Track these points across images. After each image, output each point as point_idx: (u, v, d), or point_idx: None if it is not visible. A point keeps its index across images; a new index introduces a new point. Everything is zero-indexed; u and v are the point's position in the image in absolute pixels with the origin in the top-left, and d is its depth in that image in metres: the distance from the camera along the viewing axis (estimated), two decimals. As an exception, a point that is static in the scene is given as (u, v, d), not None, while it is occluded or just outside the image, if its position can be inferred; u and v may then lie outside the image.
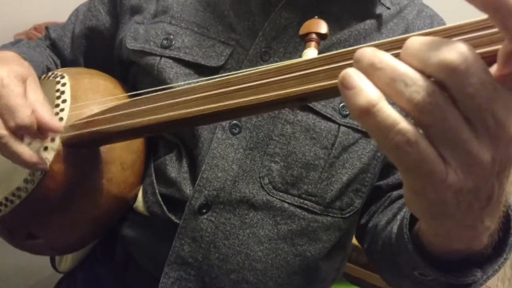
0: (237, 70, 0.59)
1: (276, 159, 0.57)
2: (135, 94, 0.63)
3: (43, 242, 0.58)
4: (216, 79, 0.40)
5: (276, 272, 0.58)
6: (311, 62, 0.33)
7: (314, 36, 0.41)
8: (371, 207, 0.63)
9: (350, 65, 0.29)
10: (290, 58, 0.59)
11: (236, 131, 0.57)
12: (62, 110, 0.55)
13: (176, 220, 0.57)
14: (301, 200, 0.58)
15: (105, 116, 0.48)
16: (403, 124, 0.25)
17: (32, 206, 0.54)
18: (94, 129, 0.48)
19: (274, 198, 0.57)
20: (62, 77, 0.59)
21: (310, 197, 0.58)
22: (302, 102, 0.34)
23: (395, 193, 0.60)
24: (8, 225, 0.57)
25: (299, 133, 0.57)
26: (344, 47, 0.61)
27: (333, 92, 0.32)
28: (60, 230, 0.57)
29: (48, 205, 0.54)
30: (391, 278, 0.56)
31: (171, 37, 0.60)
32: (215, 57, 0.59)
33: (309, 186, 0.58)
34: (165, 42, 0.60)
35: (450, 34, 0.28)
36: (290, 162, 0.57)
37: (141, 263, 0.61)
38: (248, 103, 0.35)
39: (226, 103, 0.37)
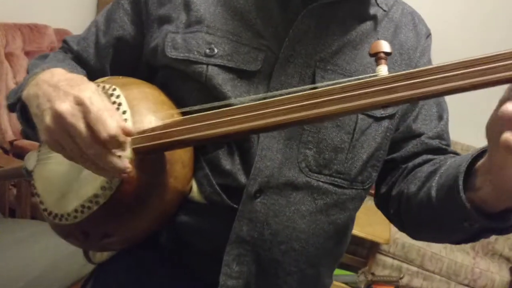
0: (270, 72, 0.69)
1: (309, 146, 0.69)
2: (176, 101, 0.71)
3: (117, 239, 0.66)
4: (298, 93, 0.50)
5: (316, 239, 0.71)
6: (391, 78, 0.45)
7: (382, 55, 0.52)
8: (387, 178, 0.77)
9: (422, 81, 0.42)
10: (311, 59, 0.70)
11: None
12: (125, 120, 0.62)
13: (233, 205, 0.67)
14: (332, 178, 0.70)
15: (185, 127, 0.56)
16: None
17: (110, 210, 0.61)
18: (175, 138, 0.56)
19: (311, 179, 0.69)
20: (114, 89, 0.64)
21: (339, 175, 0.71)
22: (385, 107, 0.46)
23: (410, 164, 0.74)
24: (85, 229, 0.63)
25: (326, 122, 0.69)
26: (352, 46, 0.72)
27: (408, 101, 0.44)
28: (133, 227, 0.65)
29: (124, 208, 0.62)
30: (426, 233, 0.71)
31: (212, 46, 0.68)
32: (252, 62, 0.68)
33: (338, 166, 0.70)
34: (208, 51, 0.68)
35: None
36: (321, 148, 0.69)
37: (198, 245, 0.70)
38: (341, 110, 0.47)
39: (317, 111, 0.48)
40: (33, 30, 2.41)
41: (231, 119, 0.53)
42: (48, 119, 0.54)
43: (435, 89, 0.43)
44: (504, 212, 0.52)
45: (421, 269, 2.77)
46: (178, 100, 0.70)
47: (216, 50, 0.68)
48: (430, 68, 0.45)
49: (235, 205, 0.68)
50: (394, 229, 2.65)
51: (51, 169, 0.68)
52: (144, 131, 0.59)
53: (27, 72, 0.78)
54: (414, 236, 0.74)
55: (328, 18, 0.71)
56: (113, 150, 0.55)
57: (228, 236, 0.68)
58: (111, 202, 0.60)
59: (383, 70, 0.51)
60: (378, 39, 0.74)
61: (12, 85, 2.21)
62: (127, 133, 0.55)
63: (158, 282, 0.75)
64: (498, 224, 0.53)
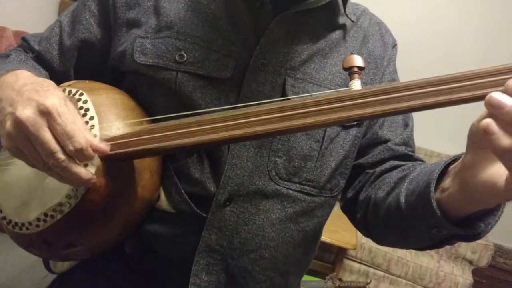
0: (241, 80, 0.69)
1: (279, 154, 0.70)
2: (144, 108, 0.70)
3: (81, 249, 0.64)
4: (273, 105, 0.51)
5: (285, 247, 0.72)
6: (364, 93, 0.46)
7: (356, 69, 0.53)
8: (354, 183, 0.79)
9: (393, 97, 0.43)
10: (281, 67, 0.71)
11: None
12: (92, 127, 0.61)
13: (202, 214, 0.67)
14: (302, 186, 0.71)
15: (155, 135, 0.56)
16: None
17: (74, 219, 0.60)
18: (145, 147, 0.56)
19: (281, 187, 0.70)
20: (81, 94, 0.63)
21: (309, 183, 0.72)
22: (357, 121, 0.47)
23: (377, 170, 0.76)
24: (47, 239, 0.62)
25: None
26: (322, 55, 0.74)
27: (380, 116, 0.46)
28: (98, 237, 0.64)
29: (90, 217, 0.61)
30: (392, 239, 0.73)
31: (182, 52, 0.68)
32: (223, 69, 0.68)
33: (307, 174, 0.71)
34: (177, 57, 0.67)
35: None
36: (291, 156, 0.70)
37: (166, 254, 0.70)
38: (314, 123, 0.48)
39: (292, 123, 0.49)
40: (-10, 32, 2.33)
41: (203, 128, 0.53)
42: (9, 125, 0.53)
43: (407, 105, 0.46)
44: (470, 219, 0.54)
45: (388, 273, 2.84)
46: (145, 106, 0.70)
47: (186, 57, 0.68)
48: (402, 85, 0.47)
49: (204, 214, 0.68)
50: (361, 234, 2.70)
51: (12, 175, 0.66)
52: (112, 138, 0.59)
53: None
54: (380, 241, 0.76)
55: (298, 27, 0.72)
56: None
57: (196, 245, 0.68)
58: (76, 211, 0.59)
59: (356, 85, 0.52)
60: (347, 48, 0.76)
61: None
62: (97, 151, 0.55)
63: None
64: (466, 231, 0.55)
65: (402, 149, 0.77)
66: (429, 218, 0.57)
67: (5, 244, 1.76)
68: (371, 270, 2.85)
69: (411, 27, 3.24)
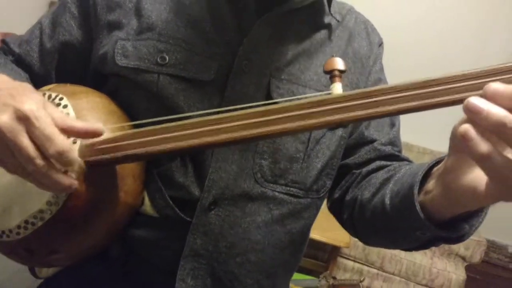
0: (224, 82, 0.69)
1: (265, 156, 0.69)
2: (128, 113, 0.69)
3: (64, 256, 0.64)
4: (255, 109, 0.50)
5: (272, 250, 0.72)
6: (346, 97, 0.46)
7: (337, 72, 0.53)
8: (341, 183, 0.79)
9: (375, 101, 0.42)
10: (266, 68, 0.70)
11: None
12: None
13: (187, 218, 0.66)
14: (288, 188, 0.71)
15: (138, 140, 0.55)
16: None
17: (56, 226, 0.59)
18: (128, 152, 0.55)
19: (267, 189, 0.70)
20: (61, 98, 0.62)
21: (295, 184, 0.71)
22: (339, 126, 0.46)
23: (364, 170, 0.76)
24: (29, 246, 0.61)
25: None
26: (307, 56, 0.74)
27: (365, 119, 0.45)
28: (81, 243, 0.63)
29: (72, 223, 0.60)
30: (379, 239, 0.73)
31: (164, 54, 0.67)
32: (206, 71, 0.68)
33: (293, 176, 0.71)
34: (159, 60, 0.67)
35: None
36: (276, 158, 0.69)
37: (151, 259, 0.69)
38: (296, 128, 0.47)
39: (273, 128, 0.48)
40: (-23, 34, 2.30)
41: (186, 133, 0.53)
42: None
43: (389, 109, 0.46)
44: (454, 221, 0.54)
45: (381, 271, 2.84)
46: (127, 109, 0.70)
47: (168, 59, 0.67)
48: (384, 88, 0.47)
49: (188, 218, 0.67)
50: (354, 232, 2.71)
51: None
52: (93, 144, 0.58)
53: None
54: (367, 241, 0.76)
55: (282, 28, 0.72)
56: (59, 167, 0.53)
57: (181, 250, 0.68)
58: (58, 218, 0.58)
59: (337, 88, 0.51)
60: (332, 47, 0.76)
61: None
62: (87, 131, 0.55)
63: None
64: (449, 233, 0.55)
65: (388, 149, 0.77)
66: (413, 220, 0.56)
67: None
68: (365, 268, 2.85)
69: (402, 27, 3.24)
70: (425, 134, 3.12)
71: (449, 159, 0.49)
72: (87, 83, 0.72)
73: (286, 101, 0.52)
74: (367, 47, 0.80)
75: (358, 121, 0.48)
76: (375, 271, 2.84)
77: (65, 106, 0.62)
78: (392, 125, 0.80)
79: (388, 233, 0.67)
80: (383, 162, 0.75)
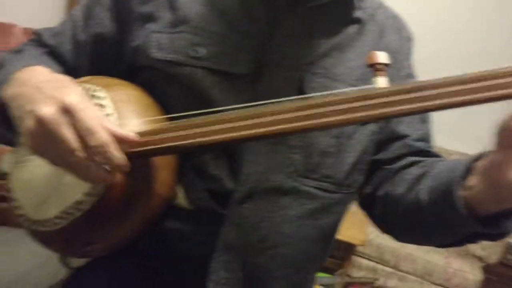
0: (257, 75, 0.69)
1: (297, 150, 0.69)
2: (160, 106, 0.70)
3: (99, 247, 0.65)
4: (294, 103, 0.50)
5: (303, 244, 0.72)
6: (391, 91, 0.46)
7: (380, 66, 0.52)
8: (373, 179, 0.78)
9: (421, 96, 0.42)
10: (298, 62, 0.71)
11: None
12: None
13: (220, 211, 0.67)
14: (320, 183, 0.71)
15: (177, 133, 0.55)
16: None
17: (93, 217, 0.60)
18: (168, 144, 0.55)
19: (299, 184, 0.70)
20: (99, 90, 0.63)
21: (327, 179, 0.71)
22: (383, 120, 0.46)
23: (397, 165, 0.75)
24: (66, 236, 0.62)
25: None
26: (338, 50, 0.74)
27: (412, 113, 0.45)
28: (117, 234, 0.64)
29: (108, 215, 0.61)
30: (412, 236, 0.73)
31: (198, 47, 0.67)
32: (239, 64, 0.68)
33: (325, 170, 0.71)
34: (194, 53, 0.67)
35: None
36: (309, 152, 0.70)
37: (183, 252, 0.70)
38: (340, 122, 0.47)
39: (314, 122, 0.48)
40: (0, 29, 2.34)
41: (226, 127, 0.53)
42: (29, 123, 0.52)
43: (434, 104, 0.45)
44: (494, 217, 0.54)
45: (396, 269, 2.83)
46: (160, 102, 0.70)
47: (202, 52, 0.67)
48: (429, 83, 0.46)
49: (221, 211, 0.67)
50: (368, 230, 2.71)
51: (30, 173, 0.66)
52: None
53: (0, 68, 0.75)
54: (399, 238, 0.76)
55: (314, 21, 0.72)
56: (99, 158, 0.53)
57: (213, 242, 0.68)
58: (95, 209, 0.59)
59: (380, 82, 0.51)
60: (363, 42, 0.76)
61: (-22, 85, 2.14)
62: (126, 141, 0.54)
63: None
64: (490, 229, 0.54)
65: (420, 145, 0.77)
66: (452, 217, 0.56)
67: (17, 239, 1.77)
68: (379, 266, 2.84)
69: (429, 20, 3.19)
70: (441, 134, 3.08)
71: (496, 154, 0.49)
72: (118, 76, 0.72)
73: (321, 96, 0.52)
74: (397, 41, 0.80)
75: (404, 115, 0.48)
76: (389, 270, 2.83)
77: (102, 98, 0.62)
78: (424, 121, 0.80)
79: (423, 229, 0.67)
80: (415, 158, 0.75)
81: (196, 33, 0.69)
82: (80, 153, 0.52)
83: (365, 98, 0.47)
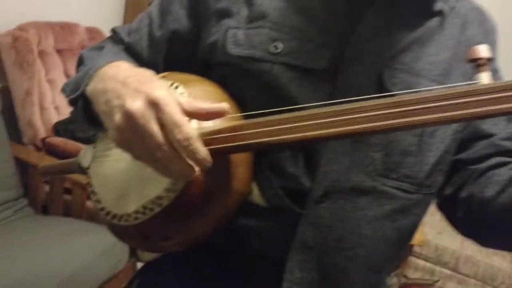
0: (336, 71, 0.67)
1: (377, 149, 0.67)
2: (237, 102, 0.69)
3: (176, 242, 0.65)
4: (383, 100, 0.48)
5: (380, 245, 0.69)
6: (497, 87, 0.42)
7: (484, 61, 0.49)
8: (454, 179, 0.74)
9: None
10: (378, 58, 0.68)
11: None
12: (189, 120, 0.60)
13: (296, 210, 0.65)
14: (399, 183, 0.68)
15: (257, 130, 0.54)
16: None
17: (172, 213, 0.60)
18: (248, 142, 0.54)
19: (378, 183, 0.67)
20: (177, 86, 0.63)
21: (407, 179, 0.68)
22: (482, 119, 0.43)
23: (483, 165, 0.71)
24: (144, 231, 0.63)
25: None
26: (418, 44, 0.70)
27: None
28: (194, 230, 0.64)
29: (187, 211, 0.60)
30: (502, 241, 0.68)
31: (277, 43, 0.66)
32: (318, 60, 0.66)
33: (406, 170, 0.68)
34: (273, 48, 0.66)
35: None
36: (389, 150, 0.67)
37: (257, 249, 0.69)
38: (437, 120, 0.44)
39: (410, 119, 0.46)
40: (64, 29, 2.45)
41: (309, 124, 0.51)
42: (118, 117, 0.53)
43: None
44: None
45: (455, 272, 2.72)
46: (235, 98, 0.69)
47: (281, 48, 0.66)
48: None
49: (298, 209, 0.66)
50: (425, 230, 2.62)
51: (109, 167, 0.68)
52: (210, 133, 0.58)
53: (80, 64, 0.78)
54: (485, 243, 0.72)
55: (394, 16, 0.69)
56: (183, 154, 0.53)
57: (289, 241, 0.67)
58: (174, 205, 0.59)
59: (485, 77, 0.48)
60: (444, 36, 0.72)
61: (44, 83, 2.24)
62: (213, 111, 0.54)
63: (210, 286, 0.74)
64: None
65: (508, 144, 0.72)
66: None
67: (80, 230, 1.84)
68: (437, 268, 2.75)
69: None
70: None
71: None
72: (193, 72, 0.72)
73: (408, 93, 0.49)
74: (481, 34, 0.75)
75: (506, 115, 0.44)
76: (448, 272, 2.72)
77: (181, 94, 0.62)
78: (509, 119, 0.75)
79: None
80: (504, 159, 0.70)
81: (275, 28, 0.68)
82: (166, 147, 0.52)
83: (468, 94, 0.44)
